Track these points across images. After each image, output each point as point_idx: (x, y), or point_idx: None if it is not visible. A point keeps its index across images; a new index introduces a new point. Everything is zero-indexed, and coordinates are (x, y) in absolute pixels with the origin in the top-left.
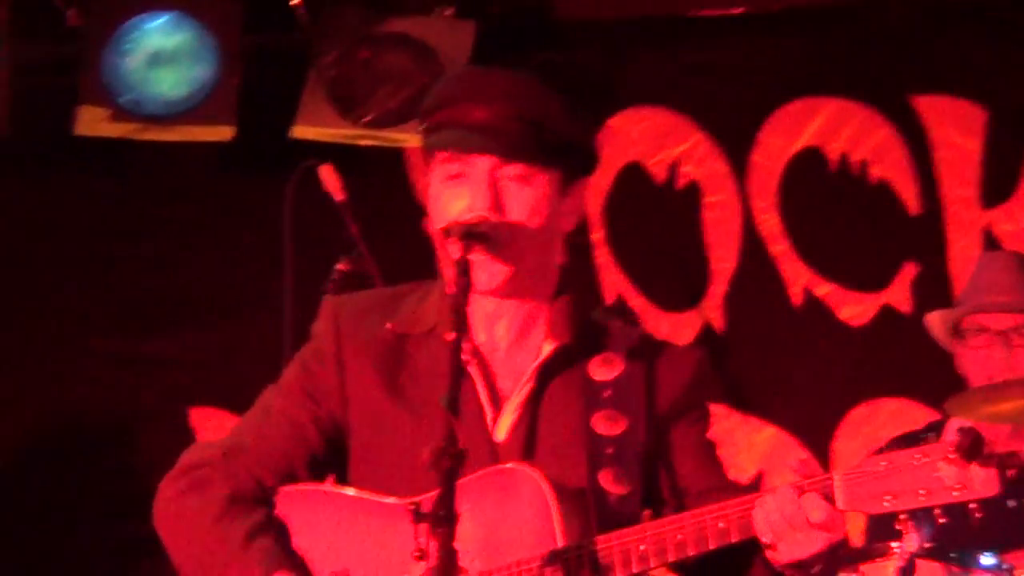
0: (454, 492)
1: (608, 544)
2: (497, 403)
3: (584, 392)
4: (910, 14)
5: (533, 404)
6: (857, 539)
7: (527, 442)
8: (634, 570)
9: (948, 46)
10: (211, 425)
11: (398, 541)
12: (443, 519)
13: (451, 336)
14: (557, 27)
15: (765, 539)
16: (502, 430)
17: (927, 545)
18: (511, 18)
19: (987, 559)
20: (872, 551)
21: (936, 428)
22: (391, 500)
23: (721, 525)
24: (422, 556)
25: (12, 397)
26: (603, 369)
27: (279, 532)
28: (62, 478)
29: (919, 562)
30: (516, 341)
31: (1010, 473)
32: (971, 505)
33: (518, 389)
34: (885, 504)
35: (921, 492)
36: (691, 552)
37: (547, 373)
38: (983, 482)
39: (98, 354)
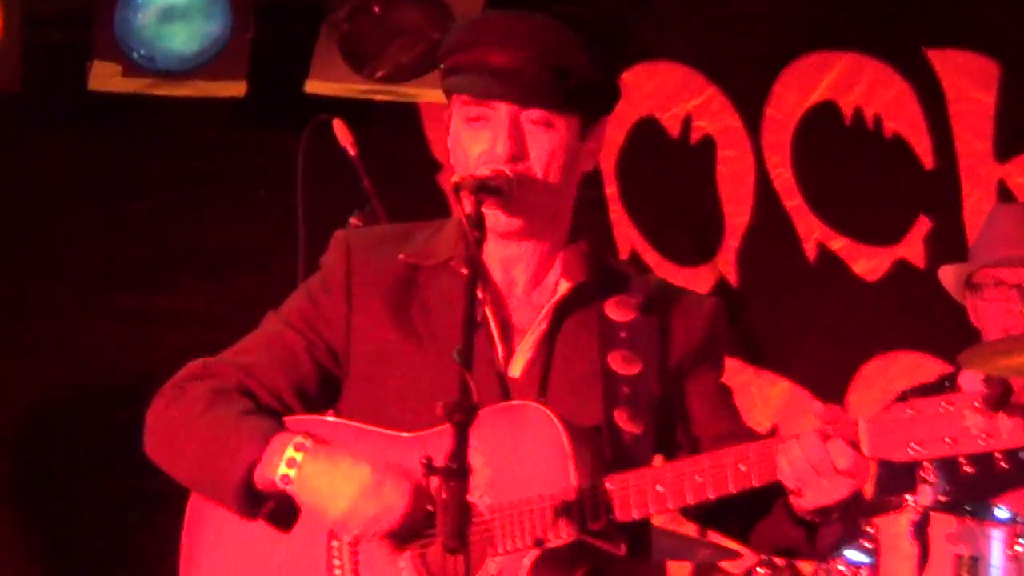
0: (466, 446)
1: (624, 483)
2: (509, 341)
3: (600, 331)
4: None
5: (548, 342)
6: (870, 493)
7: (541, 379)
8: (650, 511)
9: (962, 0)
10: None
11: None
12: (456, 473)
13: (466, 272)
14: None
15: (789, 485)
16: (517, 367)
17: (941, 498)
18: None
19: (1001, 512)
20: (886, 504)
21: (949, 380)
22: (405, 435)
23: (742, 468)
24: (434, 508)
25: (28, 355)
26: (619, 311)
27: (273, 418)
28: (80, 435)
29: (933, 515)
30: (532, 279)
31: None
32: (996, 455)
33: (533, 327)
34: (911, 452)
35: (947, 440)
36: (710, 495)
37: (563, 311)
38: (1010, 432)
39: (113, 310)
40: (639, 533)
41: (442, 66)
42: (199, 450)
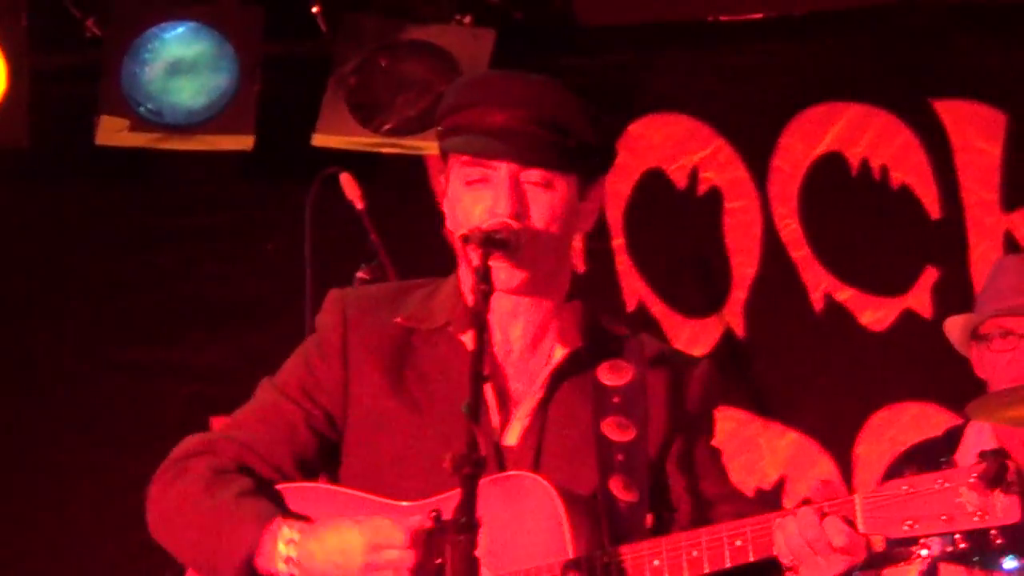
0: (475, 499)
1: (621, 557)
2: (506, 407)
3: (594, 397)
4: (930, 18)
5: (543, 409)
6: (879, 543)
7: (537, 448)
8: None
9: (968, 50)
10: None
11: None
12: (465, 526)
13: (466, 337)
14: (577, 34)
15: (785, 561)
16: (512, 435)
17: (949, 549)
18: (531, 25)
19: (1010, 562)
20: (894, 556)
21: (956, 433)
22: (403, 504)
23: (738, 543)
24: (442, 566)
25: (33, 406)
26: (613, 375)
27: (272, 499)
28: (84, 488)
29: (941, 566)
30: (529, 345)
31: None
32: (991, 531)
33: (530, 394)
34: (905, 528)
35: (943, 517)
36: (706, 569)
37: (558, 378)
38: (1005, 509)
39: (119, 363)
40: None
41: (439, 127)
42: (198, 534)
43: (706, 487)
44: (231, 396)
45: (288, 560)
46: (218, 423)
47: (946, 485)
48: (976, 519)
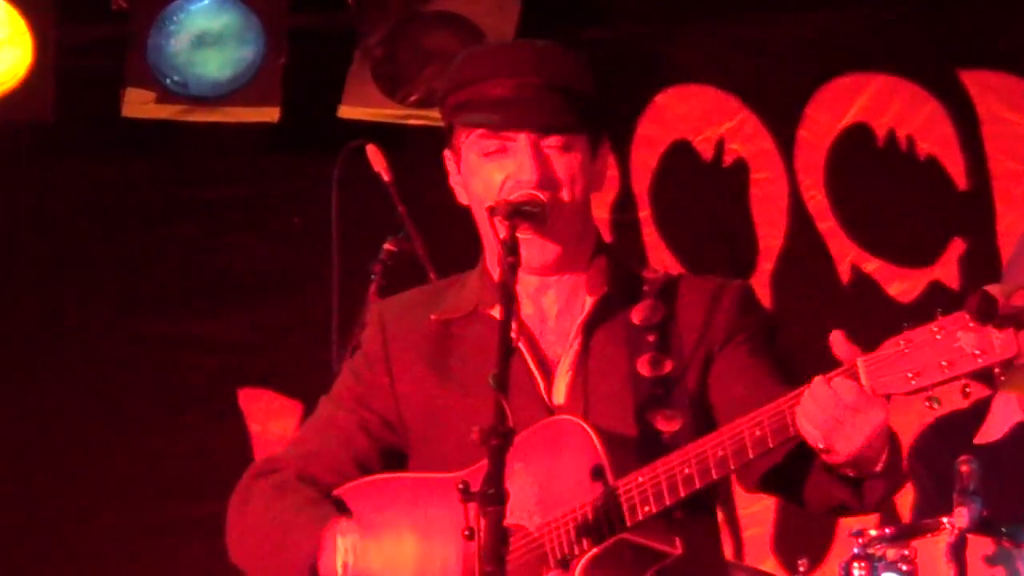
0: (503, 471)
1: (654, 472)
2: (547, 369)
3: (628, 339)
4: None
5: (583, 362)
6: (907, 515)
7: (585, 399)
8: (681, 494)
9: (995, 20)
10: (260, 406)
11: (443, 519)
12: (493, 497)
13: (495, 311)
14: (602, 5)
15: (818, 444)
16: (559, 394)
17: (978, 520)
18: None
19: None
20: (923, 527)
21: (983, 404)
22: (443, 476)
23: (758, 433)
24: (471, 535)
25: (61, 380)
26: (645, 315)
27: (332, 504)
28: (112, 461)
29: (970, 538)
30: (563, 309)
31: None
32: (996, 370)
33: (567, 350)
34: (912, 382)
35: (944, 363)
36: (733, 465)
37: (591, 326)
38: (1003, 343)
39: (147, 336)
40: (700, 534)
41: (445, 105)
42: (265, 548)
43: (751, 393)
44: (258, 368)
45: (344, 564)
46: (244, 395)
47: (942, 331)
48: (976, 359)
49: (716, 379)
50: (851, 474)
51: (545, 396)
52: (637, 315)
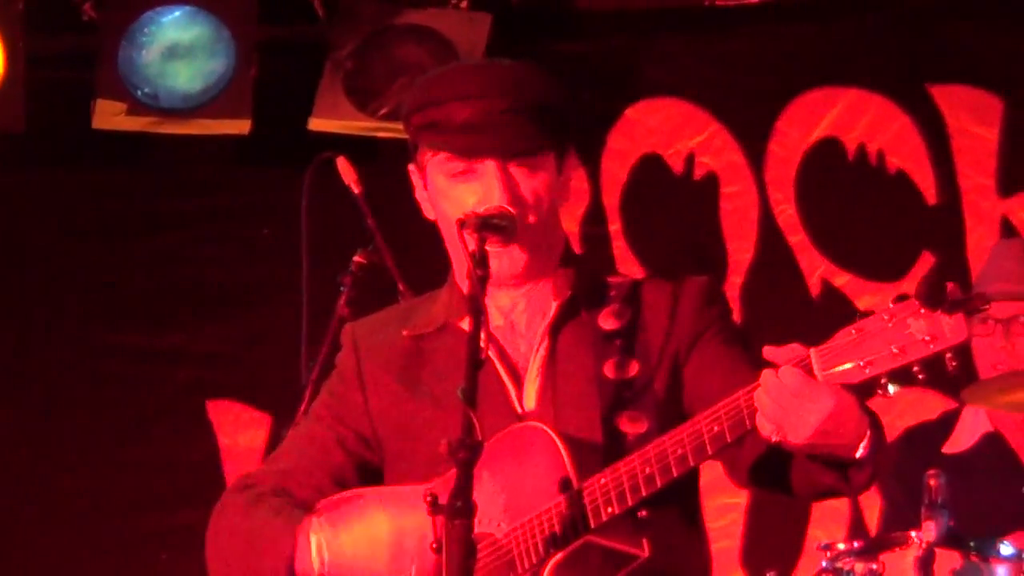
0: (471, 484)
1: (616, 473)
2: (517, 376)
3: (595, 342)
4: (927, 3)
5: (551, 363)
6: (875, 529)
7: (554, 403)
8: (643, 493)
9: (965, 35)
10: (229, 418)
11: (411, 527)
12: (461, 510)
13: (465, 323)
14: (573, 18)
15: (772, 437)
16: (529, 399)
17: (946, 534)
18: (527, 9)
19: (1006, 548)
20: (891, 540)
21: (952, 417)
22: (414, 486)
23: (716, 429)
24: (439, 548)
25: (29, 392)
26: (612, 320)
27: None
28: (80, 473)
29: (938, 551)
30: (530, 320)
31: (976, 313)
32: (947, 355)
33: (535, 354)
34: (865, 371)
35: (895, 350)
36: (693, 462)
37: (557, 328)
38: (952, 328)
39: (116, 348)
40: (678, 538)
41: (410, 123)
42: (242, 557)
43: (725, 385)
44: (228, 380)
45: (319, 558)
46: (214, 407)
47: (893, 319)
48: (927, 345)
49: (691, 377)
50: (834, 460)
51: (516, 403)
52: (603, 319)
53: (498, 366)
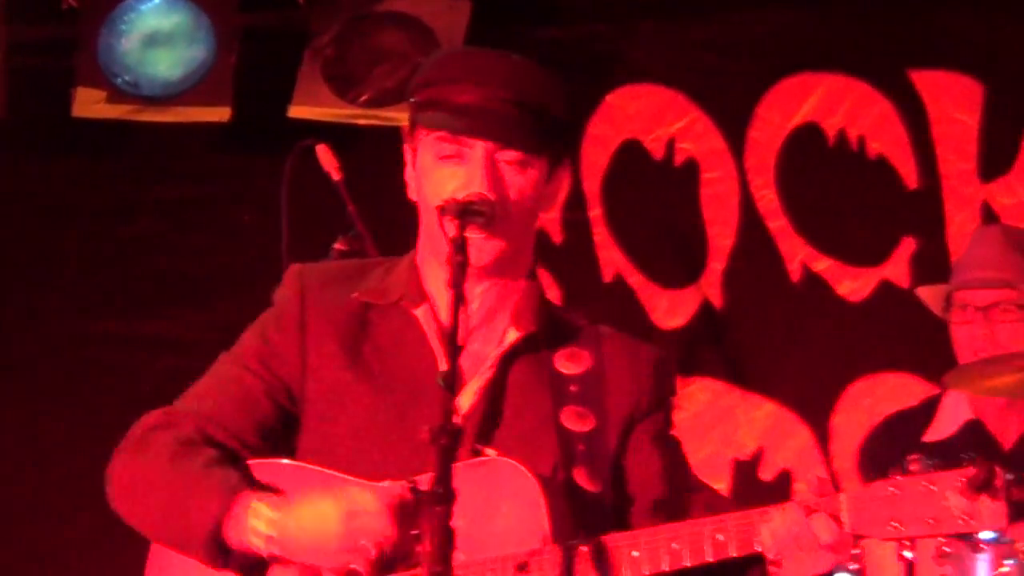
0: (450, 470)
1: (599, 546)
2: (458, 379)
3: (551, 385)
4: None
5: (494, 390)
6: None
7: (482, 426)
8: (625, 575)
9: (945, 20)
10: None
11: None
12: (442, 497)
13: (419, 311)
14: (553, 5)
15: (770, 555)
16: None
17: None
18: None
19: (987, 532)
20: None
21: (933, 403)
22: (386, 484)
23: (720, 537)
24: (419, 538)
25: (12, 380)
26: (570, 363)
27: (241, 471)
28: (62, 462)
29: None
30: (480, 324)
31: (1018, 500)
32: (977, 536)
33: (479, 374)
34: (891, 529)
35: (929, 520)
36: (686, 562)
37: (510, 360)
38: (991, 514)
39: (96, 336)
40: None
41: (412, 99)
42: (165, 506)
43: (669, 479)
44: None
45: (266, 538)
46: None
47: (933, 488)
48: (961, 523)
49: (634, 453)
50: None
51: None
52: (560, 359)
53: (440, 364)
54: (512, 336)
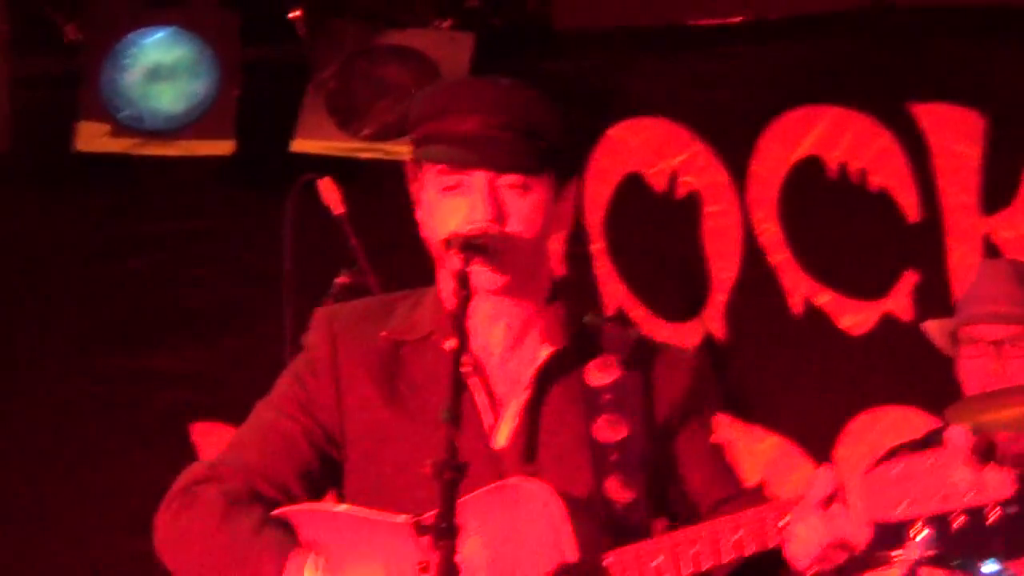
0: (455, 504)
1: (623, 557)
2: (495, 409)
3: (583, 398)
4: (908, 21)
5: (532, 410)
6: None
7: (527, 448)
8: None
9: (946, 53)
10: (212, 440)
11: (401, 559)
12: (445, 532)
13: (450, 345)
14: (555, 38)
15: (790, 554)
16: (502, 436)
17: (929, 553)
18: (510, 29)
19: (989, 567)
20: (873, 560)
21: (936, 435)
22: (400, 519)
23: (738, 537)
24: (426, 569)
25: (13, 414)
26: (600, 374)
27: (283, 529)
28: (63, 495)
29: (921, 570)
30: (512, 346)
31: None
32: (987, 509)
33: (517, 395)
34: (902, 510)
35: (937, 496)
36: (706, 566)
37: (545, 379)
38: (997, 484)
39: (98, 370)
40: None
41: (411, 136)
42: (217, 563)
43: (714, 490)
44: (210, 402)
45: None
46: (197, 429)
47: (937, 463)
48: (970, 496)
49: (674, 458)
50: None
51: (489, 435)
52: (591, 372)
53: (477, 394)
54: (543, 353)
